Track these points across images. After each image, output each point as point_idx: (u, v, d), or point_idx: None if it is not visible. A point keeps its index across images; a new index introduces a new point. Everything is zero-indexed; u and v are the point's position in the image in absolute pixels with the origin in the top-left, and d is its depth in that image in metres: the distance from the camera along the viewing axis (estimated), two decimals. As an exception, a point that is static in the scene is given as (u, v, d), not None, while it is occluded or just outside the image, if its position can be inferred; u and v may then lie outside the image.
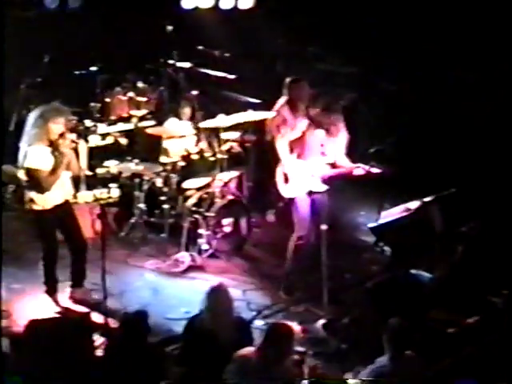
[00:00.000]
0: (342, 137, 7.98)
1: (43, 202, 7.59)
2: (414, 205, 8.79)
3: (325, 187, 8.05)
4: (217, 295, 6.34)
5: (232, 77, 10.30)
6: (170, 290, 8.23)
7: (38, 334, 6.45)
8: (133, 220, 9.19)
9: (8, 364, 6.21)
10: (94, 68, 10.25)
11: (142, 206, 9.21)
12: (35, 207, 7.65)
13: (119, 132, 9.91)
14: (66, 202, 7.76)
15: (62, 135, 7.53)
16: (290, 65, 10.97)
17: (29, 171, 7.53)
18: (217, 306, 6.26)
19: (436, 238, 8.52)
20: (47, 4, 9.37)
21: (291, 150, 7.99)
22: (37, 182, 7.53)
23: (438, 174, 9.51)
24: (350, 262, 8.81)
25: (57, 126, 7.52)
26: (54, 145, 7.53)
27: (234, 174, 9.38)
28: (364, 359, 6.37)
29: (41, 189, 7.55)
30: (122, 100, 10.20)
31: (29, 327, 6.49)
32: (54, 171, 7.53)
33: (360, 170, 7.91)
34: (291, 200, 8.10)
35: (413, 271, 8.00)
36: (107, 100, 10.20)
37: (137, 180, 9.23)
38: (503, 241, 7.99)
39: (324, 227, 7.77)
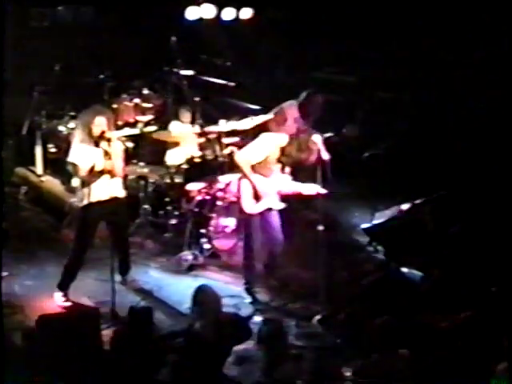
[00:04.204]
0: (324, 156, 7.73)
1: (86, 196, 7.73)
2: (405, 206, 8.97)
3: (282, 205, 8.02)
4: (202, 295, 6.42)
5: (233, 84, 10.45)
6: (173, 287, 8.36)
7: (48, 328, 6.49)
8: (138, 220, 9.35)
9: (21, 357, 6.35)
10: (102, 76, 10.42)
11: (147, 206, 9.40)
12: (78, 203, 7.83)
13: (126, 136, 9.93)
14: (115, 198, 7.86)
15: (102, 135, 7.66)
16: (289, 73, 11.14)
17: (71, 167, 7.74)
18: (204, 306, 6.32)
19: (427, 237, 8.66)
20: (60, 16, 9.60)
21: (254, 166, 7.84)
22: (79, 177, 7.74)
23: (430, 177, 9.59)
24: (345, 260, 8.87)
25: (97, 126, 7.65)
26: (97, 144, 7.68)
27: (235, 176, 9.15)
28: (359, 354, 6.49)
29: (82, 184, 7.76)
30: (128, 106, 10.40)
31: (40, 322, 6.53)
32: (93, 169, 7.66)
33: (311, 190, 7.84)
34: (247, 217, 7.98)
35: (405, 269, 8.12)
36: (114, 106, 10.34)
37: (142, 182, 9.42)
38: (492, 240, 8.18)
39: (321, 228, 7.80)
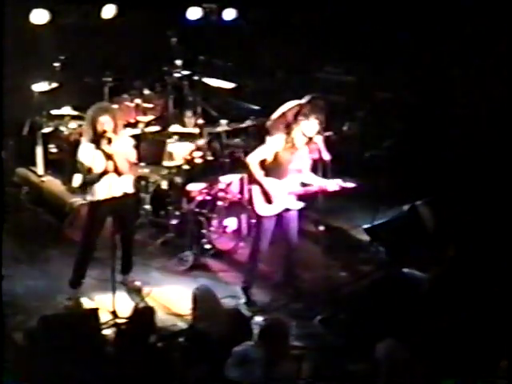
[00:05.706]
0: (325, 156, 7.81)
1: (93, 194, 7.82)
2: (406, 207, 9.03)
3: (301, 204, 8.00)
4: (201, 295, 6.48)
5: (233, 85, 10.53)
6: (174, 287, 8.36)
7: (49, 328, 6.56)
8: (139, 220, 9.32)
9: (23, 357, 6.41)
10: (103, 76, 10.31)
11: (147, 207, 9.41)
12: (87, 199, 7.93)
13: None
14: (122, 195, 7.88)
15: (103, 134, 7.70)
16: (290, 73, 11.16)
17: (80, 165, 7.79)
18: (204, 306, 6.39)
19: (428, 238, 8.73)
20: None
21: (267, 169, 7.85)
22: (85, 174, 7.83)
23: (431, 177, 9.59)
24: (346, 260, 8.90)
25: (101, 124, 7.69)
26: (99, 142, 7.71)
27: (236, 177, 9.37)
28: (360, 354, 6.48)
29: (90, 182, 7.83)
30: (129, 106, 10.31)
31: (41, 322, 6.63)
32: (100, 167, 7.73)
33: (335, 185, 7.86)
34: (259, 218, 7.97)
35: (406, 270, 8.09)
36: (115, 106, 9.96)
37: (143, 182, 9.41)
38: (493, 240, 8.16)
39: (321, 228, 7.87)
